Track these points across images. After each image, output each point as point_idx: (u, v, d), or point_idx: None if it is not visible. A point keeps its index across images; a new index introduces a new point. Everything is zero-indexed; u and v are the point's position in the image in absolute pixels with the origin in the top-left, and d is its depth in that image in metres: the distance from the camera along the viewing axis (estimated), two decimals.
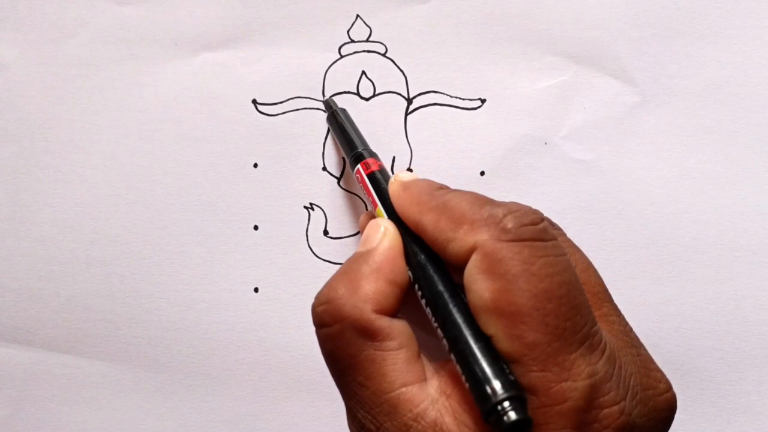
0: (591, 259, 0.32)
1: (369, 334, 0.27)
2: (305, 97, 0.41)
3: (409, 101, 0.40)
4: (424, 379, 0.27)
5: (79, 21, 0.41)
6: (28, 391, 0.42)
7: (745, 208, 0.40)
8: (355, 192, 0.41)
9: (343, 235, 0.41)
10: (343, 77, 0.41)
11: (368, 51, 0.40)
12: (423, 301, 0.29)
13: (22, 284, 0.42)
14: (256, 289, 0.41)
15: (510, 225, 0.27)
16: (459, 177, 0.40)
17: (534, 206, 0.29)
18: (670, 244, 0.40)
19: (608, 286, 0.31)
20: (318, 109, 0.41)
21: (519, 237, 0.26)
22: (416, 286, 0.29)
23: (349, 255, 0.31)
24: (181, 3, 0.40)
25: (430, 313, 0.28)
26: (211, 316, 0.41)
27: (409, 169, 0.41)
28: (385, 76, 0.40)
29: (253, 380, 0.41)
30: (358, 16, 0.40)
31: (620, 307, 0.31)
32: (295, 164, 0.41)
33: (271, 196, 0.41)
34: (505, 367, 0.25)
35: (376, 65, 0.40)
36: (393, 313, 0.29)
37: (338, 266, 0.31)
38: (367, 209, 0.40)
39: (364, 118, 0.40)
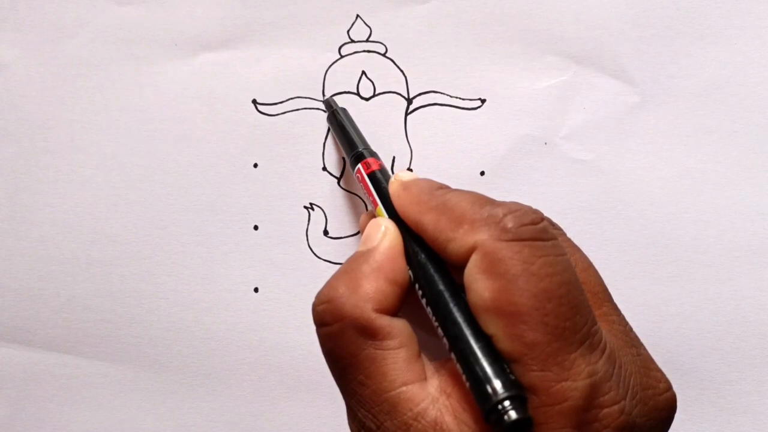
0: (591, 259, 0.32)
1: (369, 333, 0.27)
2: (305, 97, 0.41)
3: (409, 101, 0.41)
4: (425, 378, 0.27)
5: (79, 21, 0.41)
6: (28, 391, 0.42)
7: (745, 208, 0.40)
8: (355, 192, 0.41)
9: (343, 235, 0.41)
10: (343, 77, 0.41)
11: (368, 51, 0.40)
12: (423, 301, 0.29)
13: (22, 284, 0.42)
14: (256, 289, 0.41)
15: (510, 225, 0.27)
16: (459, 177, 0.40)
17: (534, 206, 0.29)
18: (670, 244, 0.40)
19: (608, 286, 0.31)
20: (318, 109, 0.41)
21: (519, 237, 0.26)
22: (417, 286, 0.29)
23: (349, 255, 0.31)
24: (181, 3, 0.40)
25: (431, 312, 0.28)
26: (211, 316, 0.41)
27: (409, 169, 0.41)
28: (385, 76, 0.40)
29: (253, 380, 0.41)
30: (358, 16, 0.40)
31: (620, 307, 0.31)
32: (295, 164, 0.41)
33: (271, 196, 0.41)
34: (505, 366, 0.25)
35: (376, 65, 0.40)
36: (393, 312, 0.29)
37: (338, 266, 0.31)
38: (367, 209, 0.40)
39: (364, 118, 0.40)
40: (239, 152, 0.41)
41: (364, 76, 0.40)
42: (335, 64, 0.41)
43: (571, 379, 0.25)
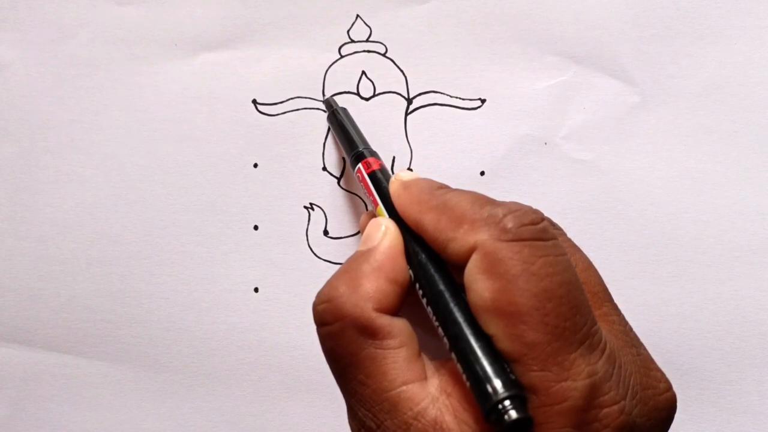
0: (591, 259, 0.32)
1: (370, 332, 0.27)
2: (305, 97, 0.41)
3: (409, 101, 0.41)
4: (425, 378, 0.27)
5: (79, 21, 0.41)
6: (28, 391, 0.42)
7: (745, 208, 0.40)
8: (355, 192, 0.41)
9: (343, 235, 0.41)
10: (343, 77, 0.41)
11: (368, 51, 0.40)
12: (424, 300, 0.29)
13: (22, 284, 0.42)
14: (256, 289, 0.41)
15: (510, 225, 0.27)
16: (459, 177, 0.40)
17: (534, 206, 0.29)
18: (670, 244, 0.40)
19: (608, 286, 0.31)
20: (318, 109, 0.41)
21: (519, 237, 0.26)
22: (417, 285, 0.29)
23: (349, 255, 0.31)
24: (181, 3, 0.40)
25: (431, 311, 0.28)
26: (211, 316, 0.41)
27: (410, 169, 0.41)
28: (385, 76, 0.40)
29: (253, 380, 0.41)
30: (358, 16, 0.40)
31: (620, 307, 0.31)
32: (295, 164, 0.41)
33: (271, 196, 0.41)
34: (505, 366, 0.26)
35: (376, 65, 0.40)
36: (394, 311, 0.29)
37: (338, 266, 0.31)
38: (367, 209, 0.40)
39: (364, 118, 0.40)
40: (239, 152, 0.41)
41: (364, 76, 0.40)
42: (335, 64, 0.41)
43: (571, 379, 0.25)
